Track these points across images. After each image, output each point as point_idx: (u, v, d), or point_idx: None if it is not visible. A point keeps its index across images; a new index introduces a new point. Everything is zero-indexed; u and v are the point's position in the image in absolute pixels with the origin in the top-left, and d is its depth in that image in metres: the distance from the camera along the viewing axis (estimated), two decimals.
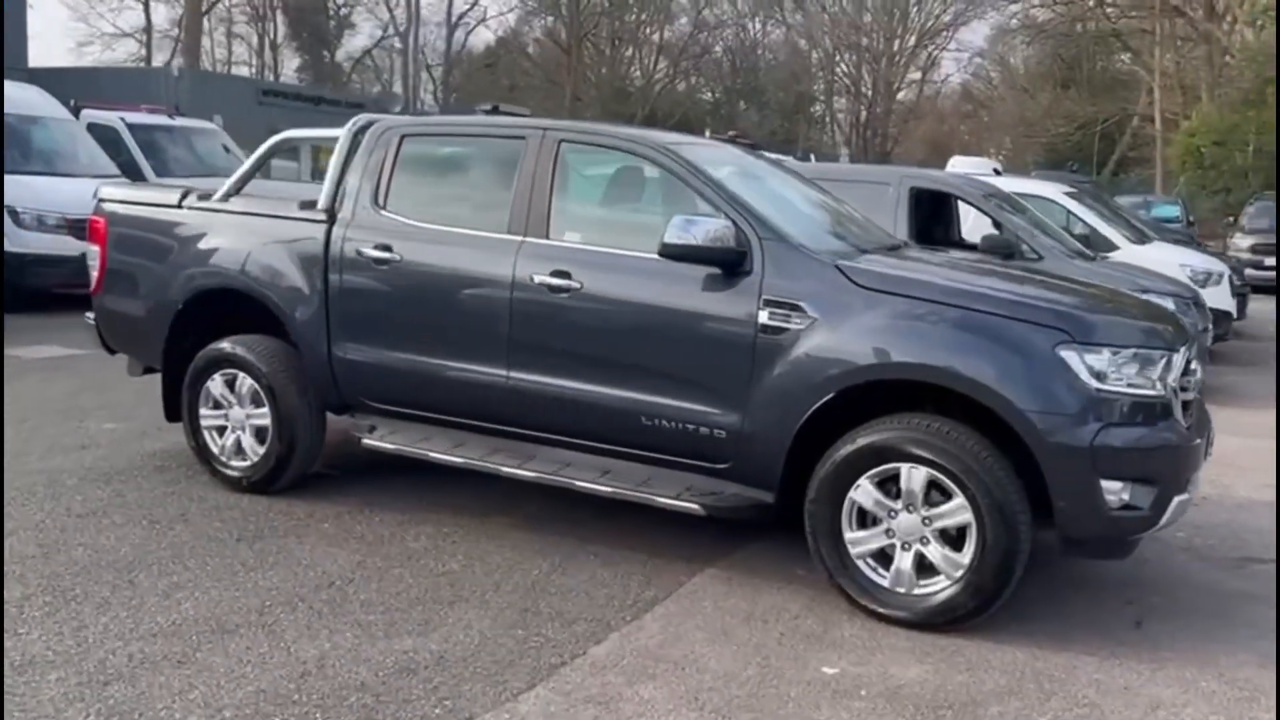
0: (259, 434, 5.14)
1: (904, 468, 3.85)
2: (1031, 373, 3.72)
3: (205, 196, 5.39)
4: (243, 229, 5.17)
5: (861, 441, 3.91)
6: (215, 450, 5.24)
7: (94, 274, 5.62)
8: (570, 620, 3.93)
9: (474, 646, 3.70)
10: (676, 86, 54.42)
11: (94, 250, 5.59)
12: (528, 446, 4.64)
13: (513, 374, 4.54)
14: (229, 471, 5.21)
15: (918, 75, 56.96)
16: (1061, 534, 3.83)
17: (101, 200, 5.65)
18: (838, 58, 55.74)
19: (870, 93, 54.99)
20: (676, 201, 4.48)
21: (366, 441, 4.91)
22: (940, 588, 3.87)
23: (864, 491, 3.93)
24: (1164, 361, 3.82)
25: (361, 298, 4.84)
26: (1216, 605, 4.35)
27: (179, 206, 5.37)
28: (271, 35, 54.69)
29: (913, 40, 55.35)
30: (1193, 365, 4.05)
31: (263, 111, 22.34)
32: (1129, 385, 3.73)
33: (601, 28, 52.09)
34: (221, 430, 5.24)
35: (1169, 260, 10.43)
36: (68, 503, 5.00)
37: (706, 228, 4.07)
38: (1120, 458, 3.68)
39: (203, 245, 5.23)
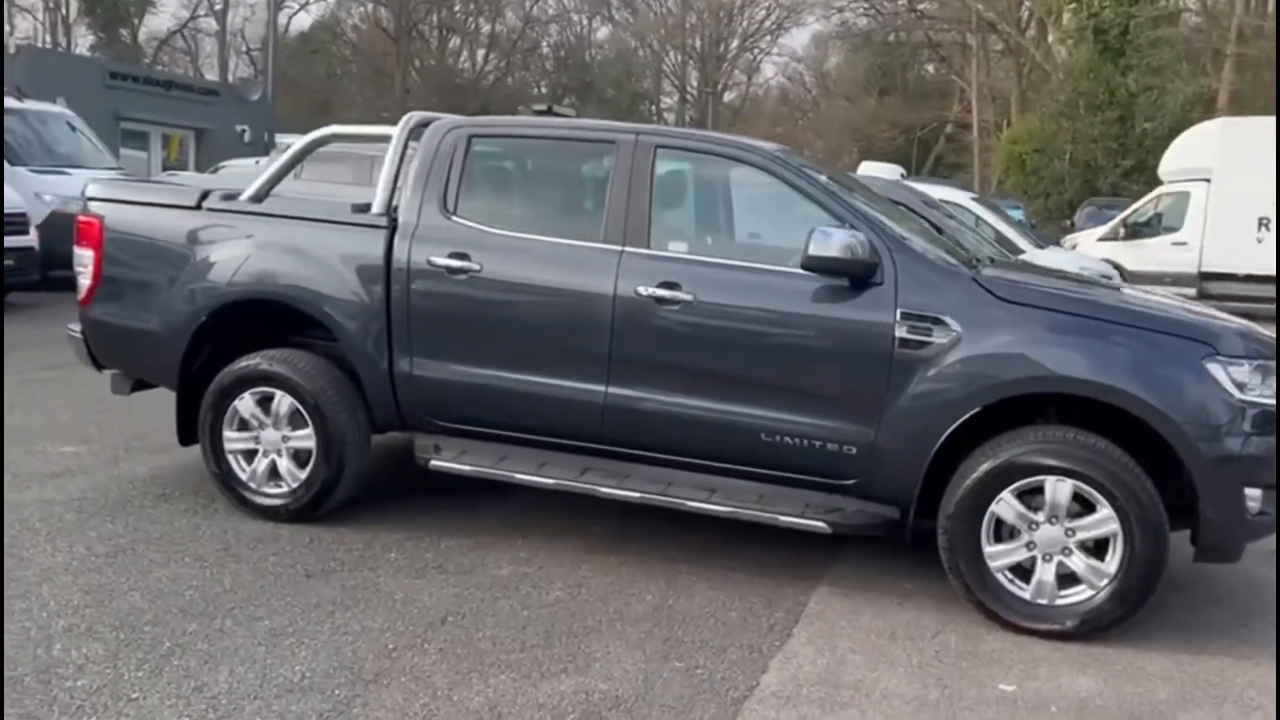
0: (298, 457, 4.71)
1: (1049, 480, 3.88)
2: (1185, 386, 3.82)
3: (229, 197, 4.89)
4: (282, 234, 4.70)
5: (1007, 455, 3.91)
6: (243, 476, 4.77)
7: (84, 282, 5.00)
8: (719, 649, 3.77)
9: (642, 682, 3.49)
10: (507, 81, 53.80)
11: (85, 255, 4.97)
12: (621, 465, 4.42)
13: (612, 390, 4.32)
14: (262, 500, 4.75)
15: (744, 78, 58.41)
16: (1202, 541, 3.95)
17: (91, 199, 5.02)
18: (665, 57, 56.45)
19: (697, 93, 55.90)
20: (783, 210, 4.38)
21: (435, 464, 4.57)
22: (1084, 597, 3.92)
23: (1006, 505, 3.94)
24: None
25: (432, 310, 4.49)
26: None
27: (198, 208, 4.85)
28: (64, 10, 50.78)
29: (736, 43, 56.66)
30: None
31: (110, 95, 20.57)
32: (1260, 395, 3.89)
33: (430, 17, 50.86)
34: (250, 454, 4.77)
35: (1068, 263, 11.01)
36: (84, 541, 4.44)
37: (843, 239, 3.98)
38: (1261, 465, 3.83)
39: (232, 251, 4.72)
